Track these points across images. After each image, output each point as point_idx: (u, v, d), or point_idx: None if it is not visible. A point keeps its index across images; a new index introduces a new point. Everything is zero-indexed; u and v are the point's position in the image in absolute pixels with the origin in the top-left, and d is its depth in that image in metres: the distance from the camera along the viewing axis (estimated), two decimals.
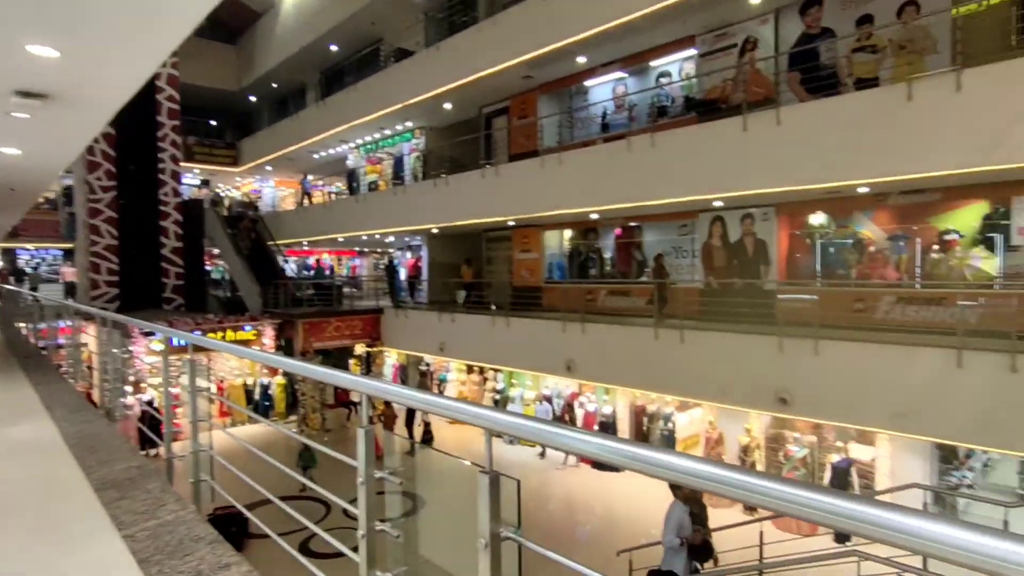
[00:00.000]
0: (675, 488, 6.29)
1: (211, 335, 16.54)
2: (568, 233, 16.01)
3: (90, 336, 12.76)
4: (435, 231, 18.13)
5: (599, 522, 11.62)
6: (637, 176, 11.26)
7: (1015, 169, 7.82)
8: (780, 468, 10.99)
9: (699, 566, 6.57)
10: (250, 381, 18.01)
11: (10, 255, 26.32)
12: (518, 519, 8.97)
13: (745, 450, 11.00)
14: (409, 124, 19.43)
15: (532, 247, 16.06)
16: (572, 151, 12.91)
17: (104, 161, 20.60)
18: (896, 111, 8.15)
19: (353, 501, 2.27)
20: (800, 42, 10.84)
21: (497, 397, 16.50)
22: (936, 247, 9.93)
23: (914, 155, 8.08)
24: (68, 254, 24.97)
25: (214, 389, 17.48)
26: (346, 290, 22.14)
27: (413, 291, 19.28)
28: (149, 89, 21.59)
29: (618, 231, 14.75)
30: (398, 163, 20.04)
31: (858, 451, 10.38)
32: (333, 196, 24.94)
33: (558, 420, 14.37)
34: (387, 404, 15.21)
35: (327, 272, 29.38)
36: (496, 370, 16.67)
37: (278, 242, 22.18)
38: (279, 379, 17.74)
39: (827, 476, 10.01)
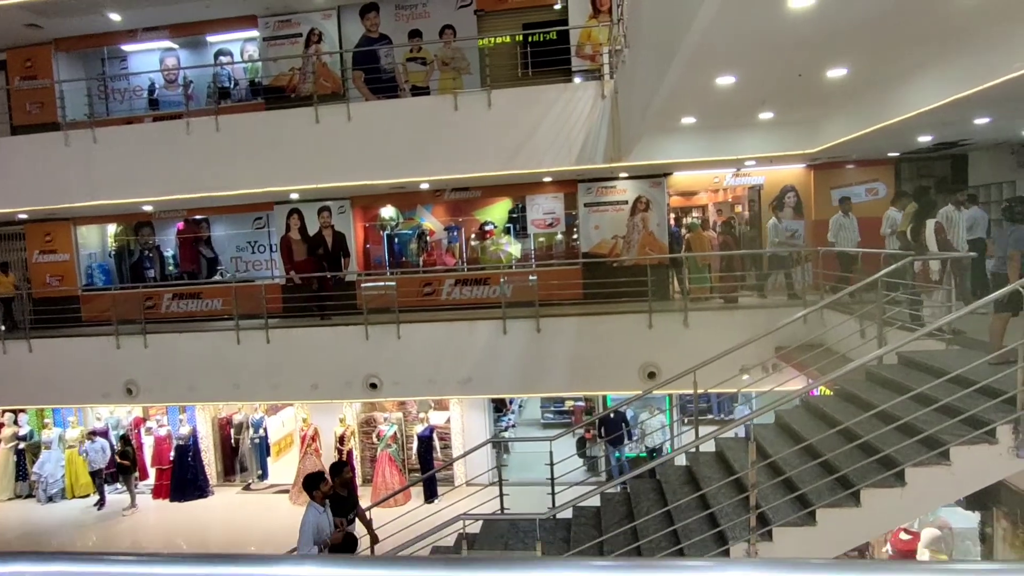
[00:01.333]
0: (312, 486, 5.74)
1: None
2: (113, 228, 13.17)
3: None
4: None
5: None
6: (201, 163, 10.00)
7: (527, 174, 9.99)
8: (375, 449, 11.56)
9: None
10: None
11: None
12: None
13: (341, 439, 11.16)
14: None
15: (59, 246, 12.61)
16: (112, 128, 10.60)
17: None
18: (447, 118, 9.37)
19: None
20: (362, 43, 11.37)
21: (22, 446, 12.48)
22: (477, 236, 11.93)
23: (462, 157, 9.45)
24: None
25: None
26: None
27: None
28: None
29: (180, 225, 12.88)
30: None
31: (437, 418, 11.74)
32: None
33: (118, 454, 11.84)
34: None
35: None
36: (16, 411, 12.60)
37: None
38: None
39: (415, 446, 11.02)
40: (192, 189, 10.17)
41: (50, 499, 12.15)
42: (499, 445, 11.79)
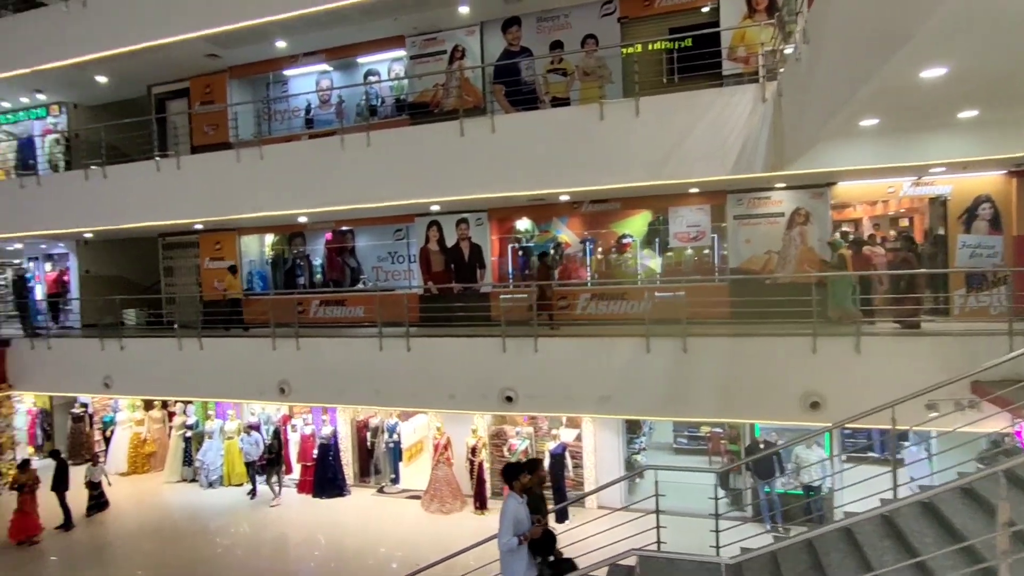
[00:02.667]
0: (512, 476, 5.56)
1: None
2: (270, 238, 14.26)
3: None
4: (89, 236, 14.33)
5: (332, 553, 10.49)
6: (353, 176, 10.48)
7: (671, 184, 9.48)
8: (505, 462, 11.46)
9: (543, 563, 5.66)
10: None
11: None
12: None
13: (473, 451, 11.17)
14: (43, 97, 14.99)
15: (226, 254, 13.84)
16: (276, 145, 11.43)
17: None
18: (592, 128, 9.11)
19: None
20: (503, 57, 11.47)
21: (189, 434, 13.77)
22: (615, 249, 11.53)
23: (607, 168, 9.13)
24: None
25: None
26: None
27: (57, 314, 14.92)
28: None
29: (329, 236, 13.68)
30: (26, 147, 15.28)
31: (567, 435, 11.43)
32: None
33: (270, 449, 12.67)
34: (22, 467, 11.42)
35: None
36: (186, 402, 13.93)
37: None
38: None
39: (547, 463, 10.77)
40: (343, 201, 10.69)
41: (210, 485, 13.25)
42: (634, 469, 11.26)
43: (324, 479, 12.44)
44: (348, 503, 12.48)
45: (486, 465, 11.23)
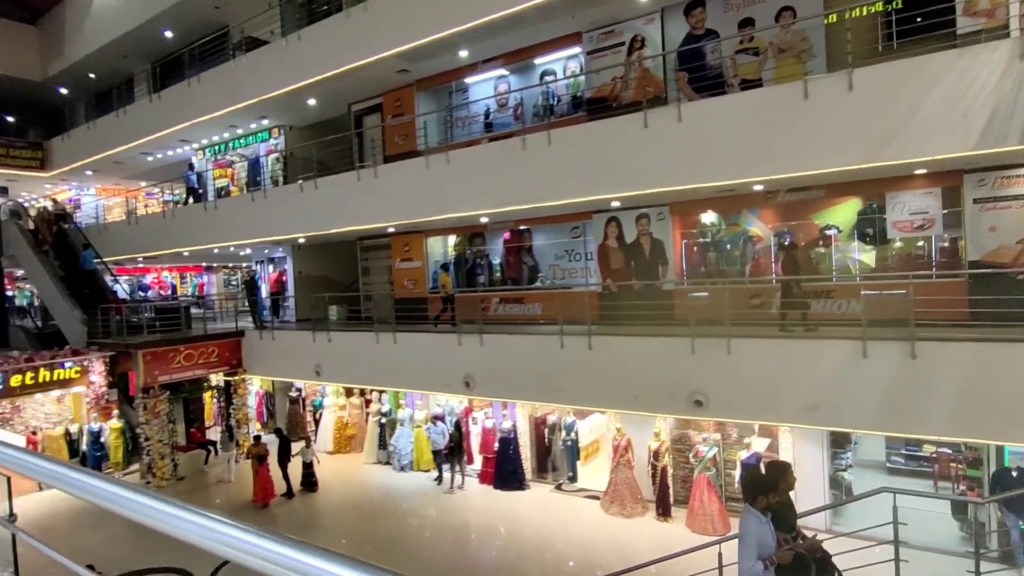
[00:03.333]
0: (754, 494, 4.47)
1: (16, 378, 13.37)
2: (452, 239, 15.04)
3: None
4: (302, 241, 16.25)
5: (511, 544, 10.76)
6: (534, 176, 10.62)
7: (892, 166, 8.24)
8: (690, 469, 10.89)
9: None
10: (73, 428, 14.84)
11: None
12: None
13: (656, 455, 10.75)
14: (266, 122, 17.32)
15: (414, 255, 14.87)
16: (461, 150, 11.99)
17: None
18: (793, 109, 8.25)
19: None
20: (686, 42, 10.88)
21: (383, 420, 15.03)
22: (819, 242, 10.37)
23: (812, 152, 8.21)
24: None
25: (21, 442, 14.17)
26: (194, 311, 19.21)
27: (277, 309, 17.14)
28: None
29: (507, 235, 14.06)
30: (254, 166, 17.79)
31: (758, 444, 10.54)
32: (172, 205, 21.61)
33: (451, 440, 13.33)
34: (255, 441, 13.22)
35: (166, 292, 25.71)
36: (380, 391, 15.22)
37: (106, 259, 18.76)
38: (114, 423, 14.79)
39: (737, 473, 10.02)
40: (525, 200, 10.87)
41: (402, 468, 14.32)
42: (840, 487, 10.07)
43: (505, 472, 12.80)
44: (527, 497, 12.71)
45: (670, 470, 10.73)
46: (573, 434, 12.73)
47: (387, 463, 14.93)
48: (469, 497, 13.01)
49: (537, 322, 12.59)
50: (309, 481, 13.38)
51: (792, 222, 10.57)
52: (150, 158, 20.86)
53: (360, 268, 16.18)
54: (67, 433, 14.61)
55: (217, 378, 16.84)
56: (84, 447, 14.69)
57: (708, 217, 11.25)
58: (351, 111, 15.96)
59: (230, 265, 27.81)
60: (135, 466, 14.75)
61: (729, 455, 10.64)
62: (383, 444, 15.04)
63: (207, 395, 17.69)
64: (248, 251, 19.57)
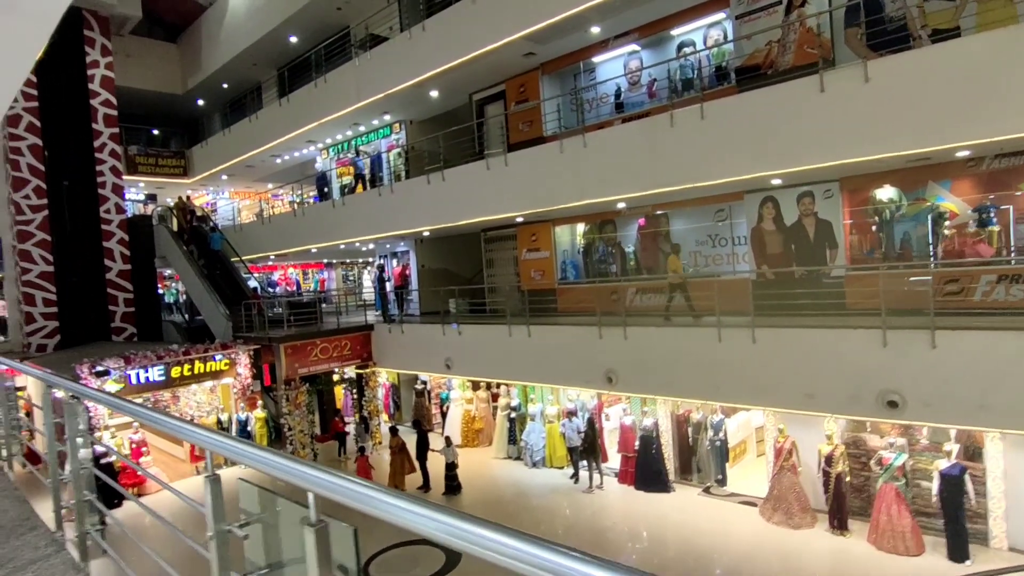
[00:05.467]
0: None
1: (176, 369, 14.28)
2: (581, 228, 14.42)
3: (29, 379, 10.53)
4: (426, 234, 16.28)
5: (655, 548, 10.05)
6: (685, 155, 9.78)
7: None
8: (867, 478, 9.68)
9: None
10: (224, 417, 15.72)
11: None
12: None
13: (828, 460, 9.60)
14: (387, 118, 17.51)
15: (541, 245, 14.42)
16: (600, 131, 11.35)
17: (32, 176, 17.88)
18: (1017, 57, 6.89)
19: None
20: None
21: (513, 415, 14.74)
22: None
23: None
24: None
25: None
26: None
27: (402, 303, 17.34)
28: (81, 93, 19.00)
29: (642, 221, 13.25)
30: (375, 162, 18.07)
31: (955, 451, 9.12)
32: (296, 205, 22.59)
33: (585, 438, 12.78)
34: (392, 432, 13.34)
35: (293, 288, 27.03)
36: (508, 385, 14.93)
37: (243, 258, 19.86)
38: (259, 412, 15.53)
39: (935, 485, 8.70)
40: (673, 182, 10.05)
41: (534, 464, 13.96)
42: None
43: (648, 472, 12.08)
44: (671, 500, 11.93)
45: (846, 478, 9.56)
46: (721, 433, 11.78)
47: (518, 458, 14.63)
48: (608, 497, 12.40)
49: (683, 314, 11.72)
50: (452, 484, 12.98)
51: (996, 193, 9.03)
52: (278, 160, 21.87)
53: (484, 260, 15.96)
54: (218, 421, 15.50)
55: (348, 371, 17.30)
56: (232, 434, 15.52)
57: (885, 193, 9.89)
58: (472, 100, 15.74)
59: (347, 261, 28.82)
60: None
61: (920, 463, 9.31)
62: (513, 439, 14.75)
63: (337, 388, 18.24)
64: (371, 246, 20.01)
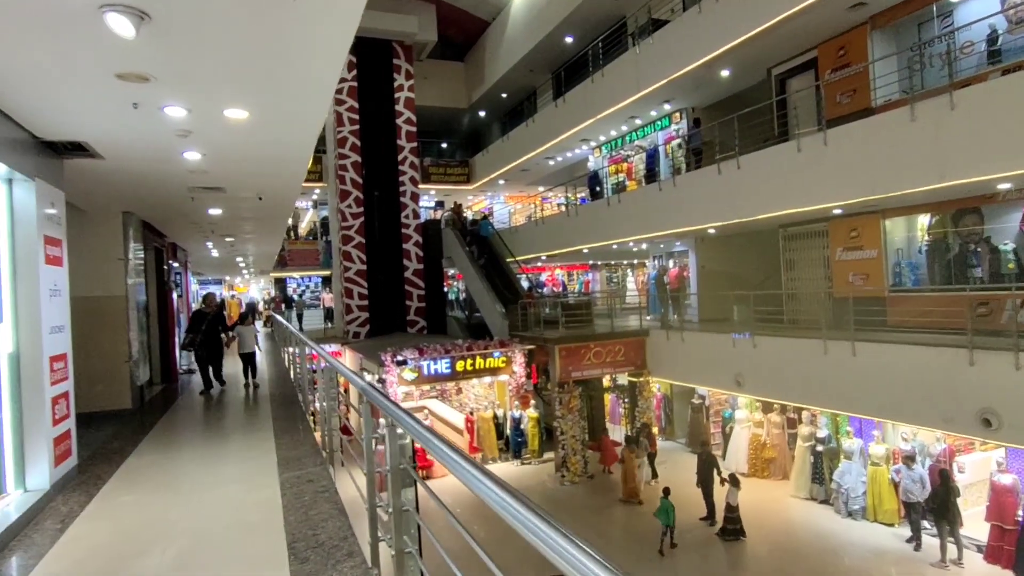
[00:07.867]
0: None
1: (460, 363, 14.96)
2: (924, 220, 11.23)
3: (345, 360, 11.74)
4: (711, 232, 14.53)
5: None
6: None
7: None
8: None
9: None
10: (499, 413, 16.13)
11: (281, 283, 28.76)
12: None
13: None
14: (667, 107, 16.20)
15: (865, 242, 11.59)
16: (982, 84, 8.48)
17: (354, 189, 20.90)
18: None
19: None
20: None
21: (820, 448, 12.15)
22: None
23: None
24: (326, 280, 26.33)
25: (462, 422, 15.95)
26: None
27: (679, 308, 15.84)
28: (389, 114, 21.60)
29: None
30: (651, 157, 16.88)
31: None
32: (563, 208, 22.62)
33: (934, 495, 9.77)
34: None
35: (559, 288, 27.39)
36: (813, 412, 12.39)
37: (517, 258, 20.48)
38: (531, 412, 15.55)
39: None
40: None
41: (850, 514, 11.27)
42: None
43: None
44: None
45: None
46: None
47: (824, 502, 12.02)
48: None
49: None
50: (732, 528, 10.99)
51: None
52: (552, 162, 22.17)
53: (782, 261, 13.57)
54: (495, 416, 15.93)
55: (619, 378, 16.45)
56: (507, 431, 15.81)
57: None
58: (771, 75, 13.53)
59: (612, 263, 28.26)
60: (549, 454, 15.24)
61: None
62: (818, 478, 12.19)
63: (606, 397, 17.54)
64: (644, 246, 18.92)
